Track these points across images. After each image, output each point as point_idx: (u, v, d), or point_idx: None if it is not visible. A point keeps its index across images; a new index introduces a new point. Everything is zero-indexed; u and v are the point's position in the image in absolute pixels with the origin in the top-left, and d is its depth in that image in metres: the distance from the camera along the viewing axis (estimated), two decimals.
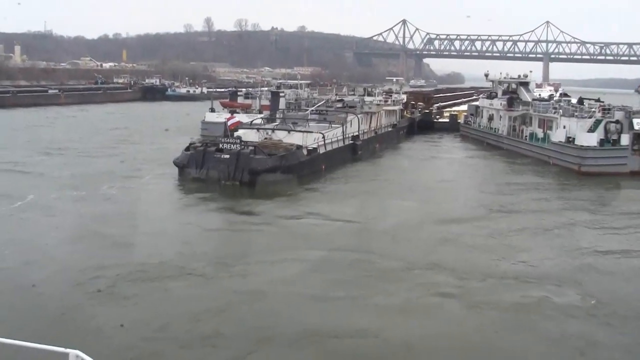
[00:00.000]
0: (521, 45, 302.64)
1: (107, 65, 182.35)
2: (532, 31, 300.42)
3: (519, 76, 59.63)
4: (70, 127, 63.03)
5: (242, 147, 34.69)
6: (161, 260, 20.19)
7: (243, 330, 15.06)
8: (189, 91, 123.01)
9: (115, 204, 29.17)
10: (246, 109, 57.64)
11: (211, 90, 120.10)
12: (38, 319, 15.28)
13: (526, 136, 51.29)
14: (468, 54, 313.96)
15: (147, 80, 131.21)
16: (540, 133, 49.19)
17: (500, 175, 42.01)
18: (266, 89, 64.85)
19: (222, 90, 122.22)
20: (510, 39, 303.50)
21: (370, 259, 21.03)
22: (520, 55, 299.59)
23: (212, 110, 56.46)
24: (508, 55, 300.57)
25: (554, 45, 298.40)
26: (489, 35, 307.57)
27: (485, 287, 18.61)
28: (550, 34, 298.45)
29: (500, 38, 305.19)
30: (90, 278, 18.32)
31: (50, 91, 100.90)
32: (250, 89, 70.01)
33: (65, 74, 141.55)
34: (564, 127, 45.17)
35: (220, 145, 34.93)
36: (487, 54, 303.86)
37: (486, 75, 64.22)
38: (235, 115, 53.84)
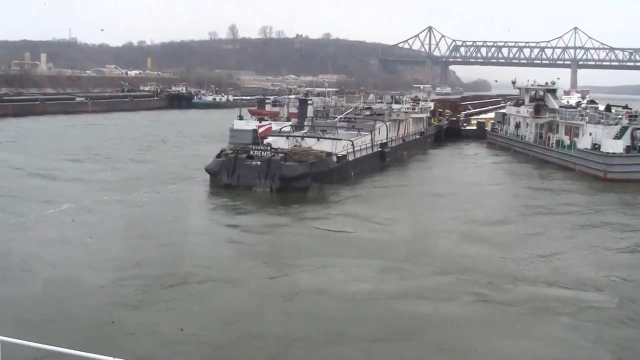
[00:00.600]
0: (549, 51, 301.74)
1: (132, 73, 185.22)
2: (560, 37, 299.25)
3: (546, 83, 60.18)
4: (99, 134, 64.64)
5: (273, 154, 35.71)
6: (209, 264, 21.25)
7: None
8: (215, 99, 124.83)
9: (152, 209, 30.27)
10: (274, 117, 58.75)
11: (237, 98, 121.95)
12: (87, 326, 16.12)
13: (552, 143, 51.83)
14: (495, 60, 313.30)
15: (173, 88, 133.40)
16: (566, 140, 49.71)
17: (526, 181, 42.64)
18: (294, 96, 66.01)
19: (248, 97, 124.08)
20: (538, 45, 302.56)
21: (403, 267, 21.78)
22: (547, 62, 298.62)
23: (241, 117, 57.64)
24: (535, 62, 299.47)
25: (582, 51, 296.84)
26: (516, 42, 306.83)
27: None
28: (578, 40, 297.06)
29: (527, 45, 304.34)
30: (141, 283, 19.30)
31: (77, 99, 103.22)
32: (278, 97, 71.16)
33: (91, 82, 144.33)
34: (590, 134, 45.73)
35: (251, 152, 35.98)
36: (514, 61, 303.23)
37: (513, 83, 64.83)
38: (264, 122, 55.37)
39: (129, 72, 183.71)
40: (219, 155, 37.50)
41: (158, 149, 53.60)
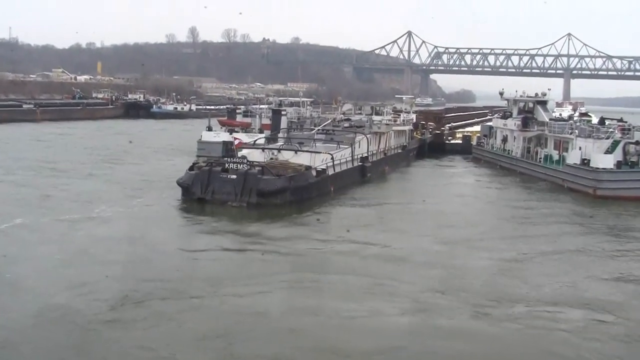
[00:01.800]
0: (539, 60, 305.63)
1: (81, 78, 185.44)
2: (552, 44, 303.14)
3: (536, 94, 61.95)
4: (52, 145, 65.64)
5: (249, 167, 37.28)
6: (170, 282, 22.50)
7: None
8: (176, 108, 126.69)
9: (117, 226, 31.11)
10: (245, 128, 60.47)
11: (200, 107, 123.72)
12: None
13: (540, 158, 53.75)
14: (480, 69, 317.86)
15: (129, 96, 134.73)
16: (555, 155, 51.62)
17: (510, 200, 43.83)
18: (266, 106, 67.84)
19: (213, 107, 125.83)
20: (527, 53, 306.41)
21: (384, 283, 23.43)
22: (538, 71, 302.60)
23: (210, 129, 59.19)
24: (525, 71, 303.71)
25: (576, 59, 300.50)
26: (504, 49, 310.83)
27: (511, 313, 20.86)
28: (572, 47, 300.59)
29: (516, 52, 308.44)
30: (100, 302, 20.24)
31: (24, 106, 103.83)
32: (250, 106, 72.96)
33: (37, 87, 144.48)
34: (580, 148, 47.36)
35: (226, 165, 37.48)
36: (501, 70, 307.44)
37: (501, 94, 66.54)
38: (233, 134, 57.15)
39: (78, 77, 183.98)
40: (191, 168, 38.90)
41: (119, 162, 54.48)
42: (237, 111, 68.11)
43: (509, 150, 60.13)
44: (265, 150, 43.90)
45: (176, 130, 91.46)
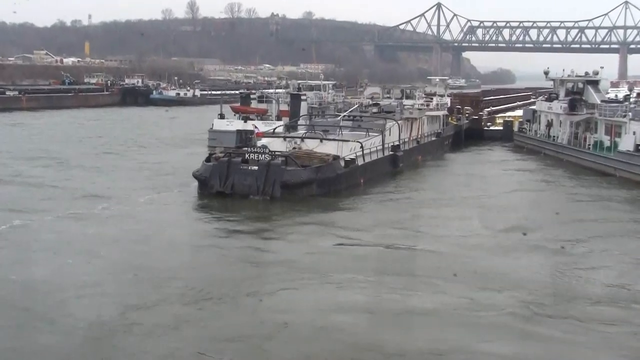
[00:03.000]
0: (590, 33, 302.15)
1: (68, 61, 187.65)
2: (606, 15, 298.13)
3: (586, 73, 62.30)
4: (43, 136, 67.75)
5: (272, 157, 38.79)
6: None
7: None
8: (178, 94, 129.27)
9: (128, 225, 32.20)
10: (261, 115, 62.16)
11: (205, 92, 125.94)
12: None
13: (589, 145, 54.39)
14: (520, 45, 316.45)
15: (126, 81, 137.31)
16: (606, 141, 52.28)
17: (555, 192, 44.85)
18: (283, 91, 69.50)
19: (219, 92, 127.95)
20: (576, 25, 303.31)
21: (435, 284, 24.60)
22: (588, 46, 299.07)
23: (222, 116, 60.89)
24: (573, 46, 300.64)
25: (635, 32, 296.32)
26: (548, 22, 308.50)
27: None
28: (629, 18, 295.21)
29: (562, 24, 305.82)
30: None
31: (8, 93, 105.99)
32: (266, 91, 74.71)
33: (19, 71, 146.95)
34: (634, 132, 48.06)
35: (247, 156, 39.00)
36: (545, 46, 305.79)
37: (546, 73, 66.89)
38: (248, 122, 58.92)
39: (64, 60, 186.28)
40: (208, 159, 40.51)
41: (124, 154, 56.65)
42: (252, 96, 69.68)
43: (554, 136, 61.00)
44: (287, 139, 45.34)
45: (182, 118, 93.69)
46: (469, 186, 45.81)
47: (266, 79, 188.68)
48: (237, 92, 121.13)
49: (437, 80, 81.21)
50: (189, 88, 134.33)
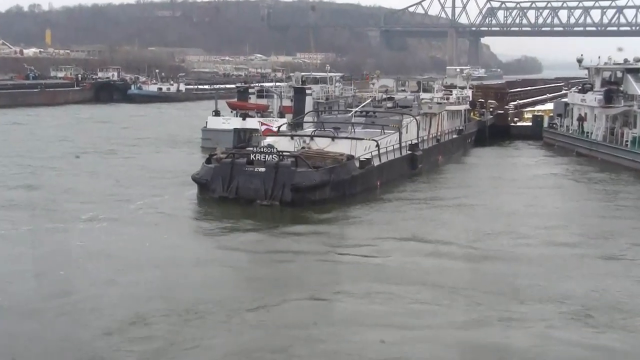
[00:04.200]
0: (630, 13, 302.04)
1: (29, 51, 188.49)
2: None
3: (626, 60, 63.35)
4: (13, 137, 69.21)
5: (280, 158, 40.04)
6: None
7: None
8: (161, 89, 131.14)
9: (120, 236, 32.71)
10: (262, 111, 63.87)
11: (191, 87, 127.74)
12: None
13: (627, 141, 55.34)
14: (548, 29, 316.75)
15: (99, 74, 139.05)
16: None
17: (587, 197, 45.91)
18: (285, 84, 71.19)
19: (207, 87, 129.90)
20: (614, 4, 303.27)
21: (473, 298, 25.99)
22: (628, 28, 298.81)
23: (217, 113, 62.48)
24: (610, 29, 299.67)
25: None
26: (580, 1, 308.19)
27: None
28: None
29: (597, 4, 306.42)
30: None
31: None
32: (266, 85, 76.41)
33: None
34: None
35: (252, 156, 40.21)
36: (577, 29, 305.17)
37: (579, 61, 67.87)
38: (247, 119, 60.62)
39: (24, 51, 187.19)
40: (208, 160, 42.00)
41: (107, 155, 57.97)
42: (251, 91, 71.28)
43: (587, 132, 62.06)
44: (295, 137, 46.86)
45: (167, 116, 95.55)
46: (498, 192, 46.86)
47: (260, 71, 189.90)
48: (225, 86, 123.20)
49: (458, 70, 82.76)
50: (172, 82, 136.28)
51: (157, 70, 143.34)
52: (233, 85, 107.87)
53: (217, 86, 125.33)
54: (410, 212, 39.74)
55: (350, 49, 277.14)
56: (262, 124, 46.43)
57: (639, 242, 33.59)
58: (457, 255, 30.26)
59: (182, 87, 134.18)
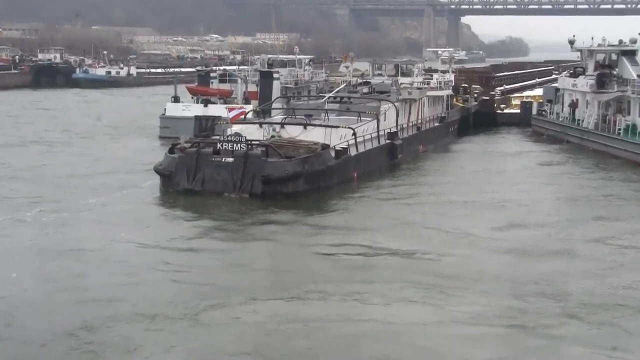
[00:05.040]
0: None
1: None
2: None
3: (621, 42, 63.80)
4: None
5: (250, 147, 40.81)
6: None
7: None
8: (109, 72, 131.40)
9: (74, 234, 33.03)
10: (225, 97, 64.79)
11: (143, 71, 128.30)
12: None
13: (620, 129, 56.25)
14: (535, 7, 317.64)
15: (40, 56, 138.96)
16: None
17: (574, 189, 46.87)
18: (250, 68, 72.06)
19: (160, 70, 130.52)
20: None
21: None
22: (623, 6, 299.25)
23: (176, 99, 63.21)
24: (603, 7, 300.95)
25: None
26: None
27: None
28: None
29: None
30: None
31: None
32: (229, 68, 77.22)
33: None
34: None
35: (219, 146, 40.92)
36: (567, 7, 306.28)
37: (571, 43, 68.11)
38: (210, 106, 61.41)
39: None
40: (171, 150, 42.67)
41: (47, 149, 57.96)
42: (212, 75, 71.91)
43: (579, 119, 62.95)
44: (264, 125, 47.77)
45: (119, 102, 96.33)
46: (482, 185, 47.31)
47: (217, 53, 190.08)
48: (181, 69, 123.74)
49: (439, 52, 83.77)
50: (122, 65, 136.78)
51: (104, 52, 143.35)
52: (191, 69, 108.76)
53: (172, 69, 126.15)
54: (390, 208, 40.42)
55: (316, 29, 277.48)
56: (230, 109, 46.95)
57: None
58: (433, 260, 30.33)
59: (133, 70, 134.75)
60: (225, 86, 69.59)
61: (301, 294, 25.55)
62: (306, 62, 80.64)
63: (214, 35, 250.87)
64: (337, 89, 60.08)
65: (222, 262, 30.17)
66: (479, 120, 75.80)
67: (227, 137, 42.19)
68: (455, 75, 78.83)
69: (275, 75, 66.58)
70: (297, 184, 40.71)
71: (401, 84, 62.09)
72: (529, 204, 41.60)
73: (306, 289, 26.07)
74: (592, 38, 66.17)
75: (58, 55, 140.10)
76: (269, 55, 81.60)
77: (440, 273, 28.16)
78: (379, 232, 34.26)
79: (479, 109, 78.08)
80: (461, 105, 75.48)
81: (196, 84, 71.95)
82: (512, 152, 62.52)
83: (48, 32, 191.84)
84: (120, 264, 28.76)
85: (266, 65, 74.47)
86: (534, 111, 73.68)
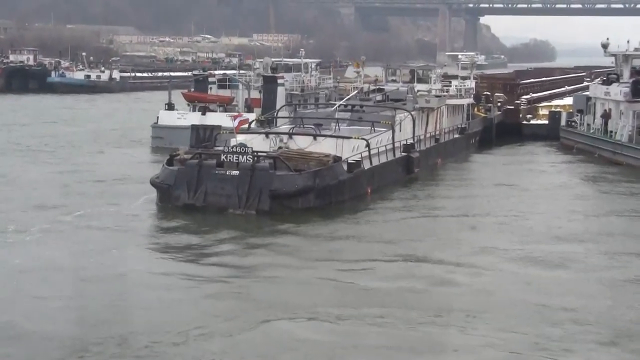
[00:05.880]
0: None
1: None
2: None
3: None
4: None
5: (256, 159, 41.73)
6: None
7: None
8: (89, 76, 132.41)
9: (61, 255, 33.38)
10: (225, 105, 66.06)
11: (127, 75, 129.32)
12: None
13: None
14: (563, 6, 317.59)
15: (11, 57, 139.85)
16: None
17: (605, 207, 47.46)
18: (251, 73, 72.99)
19: (146, 75, 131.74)
20: None
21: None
22: None
23: (170, 106, 64.24)
24: None
25: None
26: None
27: None
28: None
29: None
30: None
31: None
32: (230, 72, 78.12)
33: None
34: None
35: (223, 157, 41.83)
36: (599, 7, 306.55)
37: (604, 46, 68.98)
38: (208, 114, 62.46)
39: None
40: (169, 162, 43.58)
41: (34, 160, 59.06)
42: (211, 79, 73.05)
43: (611, 131, 63.45)
44: (270, 135, 48.52)
45: (101, 110, 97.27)
46: (507, 204, 47.86)
47: (210, 55, 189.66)
48: (171, 74, 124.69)
49: (459, 56, 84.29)
50: (103, 68, 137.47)
51: (83, 54, 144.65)
52: (183, 73, 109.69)
53: (161, 74, 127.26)
54: (406, 226, 41.13)
55: (319, 30, 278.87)
56: (235, 117, 47.96)
57: None
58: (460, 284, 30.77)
59: (116, 74, 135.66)
60: (226, 92, 70.23)
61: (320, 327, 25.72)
62: (313, 66, 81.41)
63: (206, 36, 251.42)
64: (348, 97, 61.01)
65: (224, 290, 29.67)
66: (503, 131, 76.52)
67: (232, 148, 42.60)
68: (476, 82, 79.52)
69: (279, 81, 68.00)
70: (308, 200, 41.73)
71: (418, 91, 63.28)
72: (554, 225, 41.79)
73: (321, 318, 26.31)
74: (628, 41, 66.93)
75: (31, 57, 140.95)
76: (273, 59, 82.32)
77: (465, 300, 28.62)
78: (397, 252, 34.98)
79: (502, 120, 78.92)
80: (483, 115, 76.45)
81: (192, 89, 73.01)
82: (539, 167, 63.11)
83: (17, 30, 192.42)
84: (106, 290, 28.67)
85: (269, 70, 75.13)
86: (563, 122, 74.39)
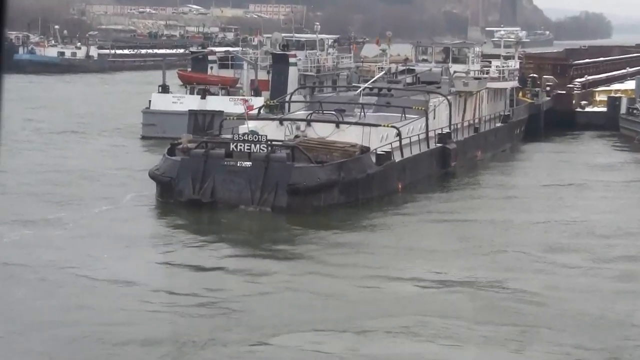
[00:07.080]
0: None
1: None
2: None
3: None
4: None
5: (271, 149, 42.28)
6: None
7: None
8: (62, 53, 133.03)
9: (53, 257, 34.58)
10: (229, 86, 66.58)
11: (106, 52, 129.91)
12: None
13: None
14: None
15: None
16: None
17: None
18: (254, 52, 73.02)
19: (127, 52, 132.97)
20: None
21: None
22: None
23: (164, 89, 64.90)
24: None
25: None
26: None
27: None
28: None
29: None
30: None
31: None
32: (233, 49, 78.56)
33: None
34: None
35: (232, 146, 42.36)
36: None
37: None
38: (208, 97, 63.05)
39: None
40: (171, 151, 44.33)
41: (13, 151, 57.38)
42: (211, 57, 73.40)
43: None
44: (285, 122, 48.91)
45: (80, 93, 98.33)
46: (556, 206, 48.50)
47: (200, 29, 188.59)
48: (155, 51, 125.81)
49: (501, 33, 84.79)
50: (79, 44, 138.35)
51: (56, 27, 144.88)
52: (171, 50, 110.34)
53: (145, 51, 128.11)
54: (443, 228, 42.06)
55: (329, 1, 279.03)
56: (244, 101, 48.46)
57: None
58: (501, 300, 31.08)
59: (94, 51, 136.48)
60: (228, 73, 70.83)
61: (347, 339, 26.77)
62: (330, 43, 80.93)
63: (194, 6, 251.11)
64: (374, 78, 61.46)
65: (234, 301, 30.05)
66: (553, 120, 76.92)
67: (242, 135, 42.99)
68: (521, 63, 79.56)
69: (291, 60, 68.23)
70: (331, 196, 42.43)
71: (454, 72, 63.74)
72: (614, 229, 41.95)
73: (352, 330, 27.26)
74: None
75: None
76: (283, 34, 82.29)
77: (516, 310, 29.48)
78: (432, 257, 35.94)
79: (552, 107, 79.23)
80: (529, 101, 76.72)
81: (189, 69, 73.28)
82: (594, 163, 63.82)
83: None
84: (99, 297, 29.78)
85: (280, 47, 74.17)
86: (624, 109, 75.05)
